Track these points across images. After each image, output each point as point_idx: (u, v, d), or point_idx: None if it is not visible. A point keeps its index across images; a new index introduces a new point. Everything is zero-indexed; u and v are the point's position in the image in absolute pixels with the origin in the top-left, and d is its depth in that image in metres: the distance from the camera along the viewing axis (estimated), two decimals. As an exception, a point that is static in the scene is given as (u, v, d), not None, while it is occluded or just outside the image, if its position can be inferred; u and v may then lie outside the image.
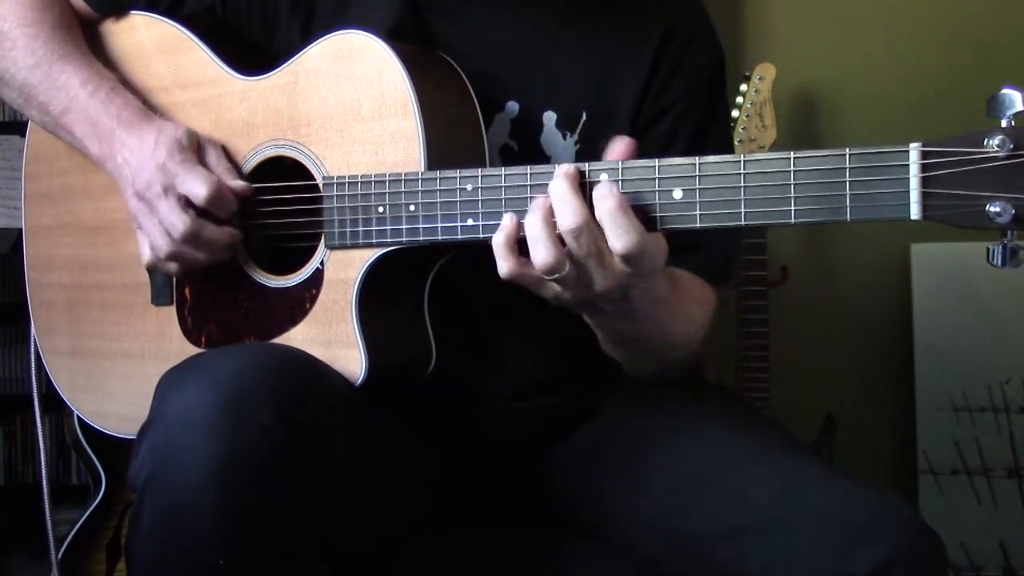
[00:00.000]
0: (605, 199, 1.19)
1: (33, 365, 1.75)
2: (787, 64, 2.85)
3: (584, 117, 1.51)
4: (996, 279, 2.82)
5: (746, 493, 1.34)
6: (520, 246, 1.24)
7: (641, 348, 1.42)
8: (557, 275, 1.21)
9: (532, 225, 1.22)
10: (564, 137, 1.51)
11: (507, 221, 1.25)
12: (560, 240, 1.21)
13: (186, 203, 1.43)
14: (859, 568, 1.21)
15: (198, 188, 1.42)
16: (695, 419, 1.49)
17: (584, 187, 1.22)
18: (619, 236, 1.18)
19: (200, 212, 1.44)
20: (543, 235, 1.21)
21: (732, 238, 1.58)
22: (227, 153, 1.50)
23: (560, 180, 1.21)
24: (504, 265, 1.25)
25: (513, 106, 1.51)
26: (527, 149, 1.51)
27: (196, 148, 1.47)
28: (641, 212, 1.20)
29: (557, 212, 1.20)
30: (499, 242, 1.25)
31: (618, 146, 1.25)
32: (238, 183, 1.46)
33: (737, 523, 1.32)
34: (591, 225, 1.19)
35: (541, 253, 1.21)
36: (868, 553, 1.22)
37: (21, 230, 1.80)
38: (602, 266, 1.21)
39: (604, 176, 1.22)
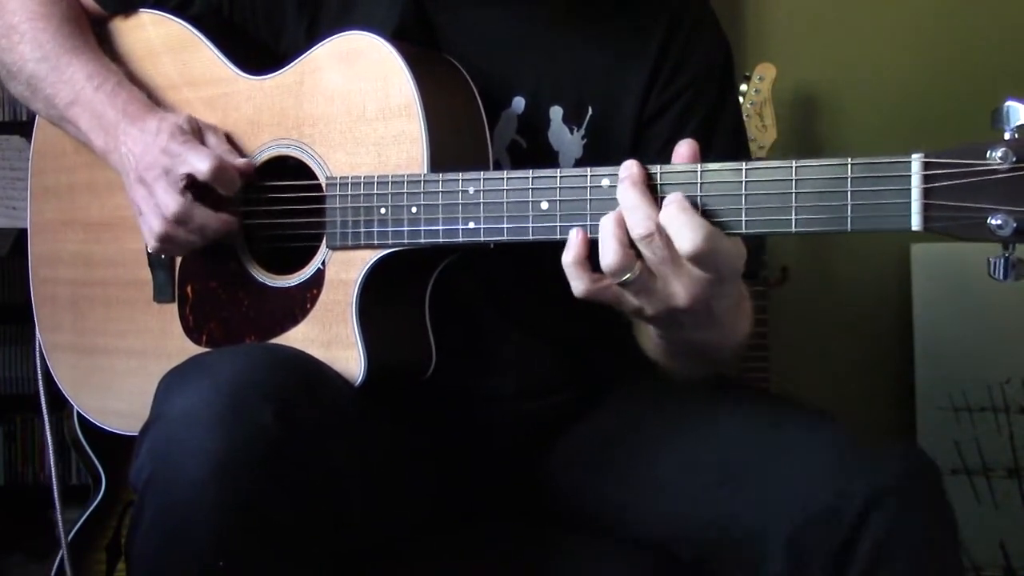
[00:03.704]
0: (667, 204, 1.16)
1: (39, 363, 1.74)
2: (787, 64, 2.86)
3: (591, 111, 1.51)
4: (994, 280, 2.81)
5: (733, 445, 1.35)
6: (592, 263, 1.20)
7: (706, 355, 1.39)
8: (626, 277, 1.17)
9: (604, 227, 1.18)
10: (571, 131, 1.51)
11: (575, 237, 1.21)
12: (633, 247, 1.17)
13: (183, 187, 1.43)
14: (852, 499, 1.21)
15: (200, 163, 1.41)
16: (694, 408, 1.48)
17: (654, 188, 1.18)
18: (683, 236, 1.14)
19: (199, 196, 1.44)
20: (610, 237, 1.17)
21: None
22: (233, 151, 1.50)
23: (628, 188, 1.18)
24: (578, 285, 1.21)
25: (519, 102, 1.51)
26: (535, 145, 1.51)
27: (197, 132, 1.47)
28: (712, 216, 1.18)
29: (628, 219, 1.17)
30: (569, 261, 1.21)
31: (682, 150, 1.21)
32: (240, 160, 1.46)
33: (727, 475, 1.33)
34: (663, 231, 1.15)
35: (607, 256, 1.17)
36: (861, 484, 1.22)
37: (20, 230, 1.81)
38: (678, 275, 1.17)
39: (606, 181, 1.22)
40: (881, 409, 3.06)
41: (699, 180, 1.17)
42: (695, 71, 1.53)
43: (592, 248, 1.20)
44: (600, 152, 1.49)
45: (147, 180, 1.45)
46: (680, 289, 1.18)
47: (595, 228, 1.20)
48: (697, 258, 1.14)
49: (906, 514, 1.22)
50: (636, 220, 1.16)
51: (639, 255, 1.17)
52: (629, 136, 1.52)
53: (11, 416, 3.12)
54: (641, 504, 1.43)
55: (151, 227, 1.46)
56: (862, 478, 1.22)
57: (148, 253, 1.55)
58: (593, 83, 1.52)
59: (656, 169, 1.19)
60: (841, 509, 1.21)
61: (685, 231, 1.14)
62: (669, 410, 1.50)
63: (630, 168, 1.19)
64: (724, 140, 1.53)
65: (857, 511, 1.21)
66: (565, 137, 1.51)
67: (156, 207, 1.45)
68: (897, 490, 1.21)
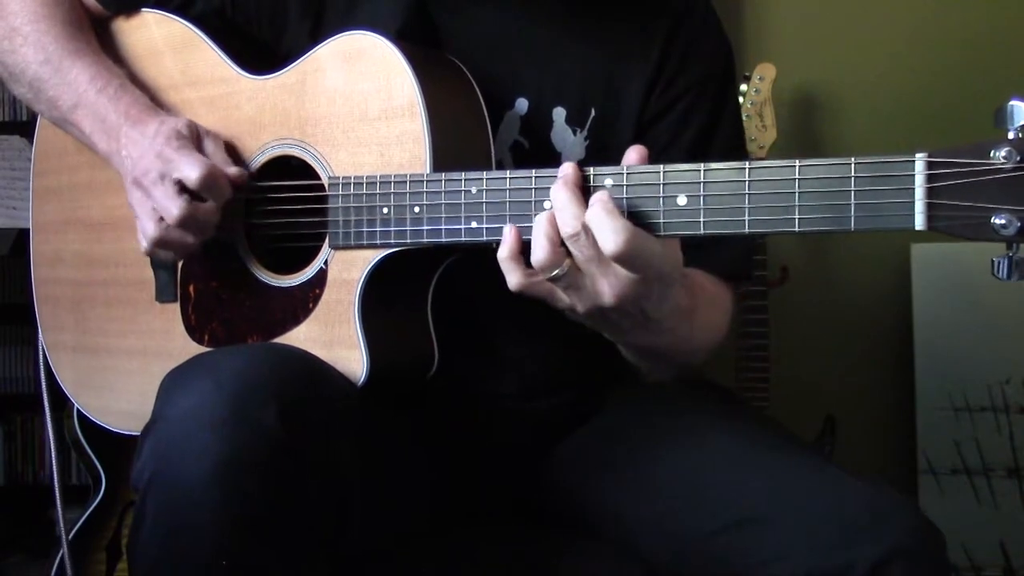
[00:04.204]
0: (592, 204, 1.19)
1: (41, 363, 1.74)
2: (787, 64, 2.85)
3: (593, 112, 1.52)
4: (996, 280, 2.81)
5: (745, 489, 1.34)
6: (526, 257, 1.24)
7: (662, 359, 1.43)
8: (554, 273, 1.21)
9: (536, 226, 1.22)
10: (574, 133, 1.52)
11: (508, 233, 1.26)
12: (563, 245, 1.21)
13: (181, 189, 1.43)
14: (858, 563, 1.21)
15: (191, 171, 1.41)
16: (696, 419, 1.49)
17: (588, 191, 1.22)
18: (606, 238, 1.17)
19: (194, 197, 1.44)
20: (541, 235, 1.21)
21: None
22: (234, 150, 1.50)
23: (559, 188, 1.22)
24: (512, 278, 1.26)
25: (522, 103, 1.51)
26: (537, 146, 1.51)
27: (196, 138, 1.47)
28: (641, 218, 1.20)
29: (558, 219, 1.20)
30: (503, 256, 1.26)
31: (631, 155, 1.24)
32: (233, 169, 1.46)
33: (736, 518, 1.32)
34: (589, 231, 1.19)
35: (537, 252, 1.21)
36: (868, 548, 1.21)
37: (21, 230, 1.80)
38: (605, 274, 1.20)
39: (609, 181, 1.22)
40: (881, 409, 3.06)
41: (702, 179, 1.17)
42: (697, 74, 1.53)
43: (526, 245, 1.24)
44: (602, 153, 1.49)
45: (143, 184, 1.45)
46: (606, 288, 1.21)
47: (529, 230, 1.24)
48: (619, 258, 1.18)
49: None
50: (564, 219, 1.20)
51: (569, 254, 1.21)
52: (631, 137, 1.52)
53: (11, 416, 3.12)
54: (643, 520, 1.43)
55: (146, 231, 1.46)
56: (872, 541, 1.22)
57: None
58: (596, 85, 1.52)
59: (658, 168, 1.19)
60: (847, 572, 1.21)
61: (608, 233, 1.17)
62: (672, 419, 1.50)
63: (565, 169, 1.23)
64: (724, 143, 1.54)
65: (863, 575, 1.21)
66: (568, 138, 1.52)
67: (152, 211, 1.45)
68: (905, 558, 1.21)
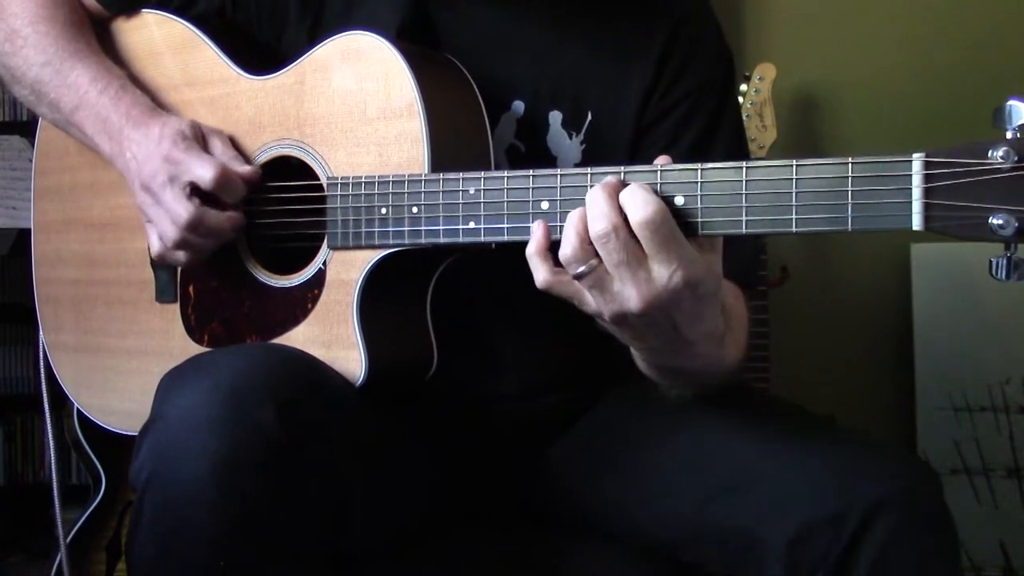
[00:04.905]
0: (631, 184, 1.16)
1: (42, 363, 1.75)
2: (787, 64, 2.85)
3: (590, 116, 1.51)
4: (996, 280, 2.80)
5: (737, 453, 1.35)
6: (555, 255, 1.20)
7: (689, 380, 1.38)
8: (580, 270, 1.16)
9: (568, 221, 1.18)
10: (570, 137, 1.51)
11: (537, 229, 1.21)
12: (592, 245, 1.16)
13: (191, 192, 1.43)
14: (852, 510, 1.21)
15: (204, 172, 1.42)
16: (696, 413, 1.49)
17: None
18: (637, 207, 1.13)
19: (204, 200, 1.44)
20: (571, 230, 1.16)
21: (754, 238, 1.57)
22: (234, 146, 1.50)
23: (596, 187, 1.17)
24: (539, 275, 1.21)
25: (519, 106, 1.51)
26: (533, 149, 1.51)
27: (200, 138, 1.47)
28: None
29: (588, 217, 1.16)
30: (531, 252, 1.21)
31: (661, 161, 1.21)
32: (245, 168, 1.46)
33: (730, 482, 1.33)
34: (620, 231, 1.14)
35: (564, 247, 1.17)
36: (861, 495, 1.22)
37: (21, 230, 1.80)
38: (634, 278, 1.15)
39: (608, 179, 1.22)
40: (881, 409, 3.06)
41: (699, 179, 1.17)
42: (695, 80, 1.52)
43: (555, 244, 1.20)
44: (598, 158, 1.48)
45: (152, 188, 1.45)
46: (634, 292, 1.16)
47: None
48: (648, 225, 1.13)
49: (908, 524, 1.22)
50: (595, 216, 1.15)
51: (598, 255, 1.17)
52: (627, 142, 1.52)
53: (11, 416, 3.12)
54: (641, 504, 1.43)
55: (165, 234, 1.46)
56: (865, 487, 1.22)
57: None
58: (593, 88, 1.52)
59: (655, 169, 1.19)
60: (843, 518, 1.21)
61: (639, 202, 1.13)
62: (670, 410, 1.50)
63: (606, 177, 1.19)
64: (723, 150, 1.53)
65: (859, 520, 1.21)
66: (564, 142, 1.51)
67: (166, 215, 1.45)
68: (899, 500, 1.21)
